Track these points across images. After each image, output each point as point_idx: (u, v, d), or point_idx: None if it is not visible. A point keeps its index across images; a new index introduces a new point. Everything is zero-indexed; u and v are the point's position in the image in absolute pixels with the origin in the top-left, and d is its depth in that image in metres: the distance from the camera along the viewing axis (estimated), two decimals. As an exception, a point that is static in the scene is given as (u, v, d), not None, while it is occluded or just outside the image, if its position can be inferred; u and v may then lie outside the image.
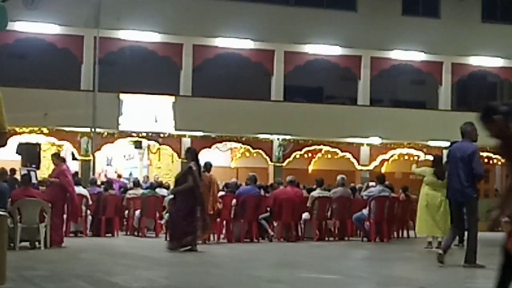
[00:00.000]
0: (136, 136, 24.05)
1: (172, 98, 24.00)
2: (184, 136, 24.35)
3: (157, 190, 18.62)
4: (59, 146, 23.62)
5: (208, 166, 15.17)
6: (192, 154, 13.18)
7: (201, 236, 13.18)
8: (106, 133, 23.57)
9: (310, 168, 27.66)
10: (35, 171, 18.88)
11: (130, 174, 25.71)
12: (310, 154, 26.83)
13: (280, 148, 25.36)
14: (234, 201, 15.72)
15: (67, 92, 23.17)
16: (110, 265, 10.28)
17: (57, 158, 14.13)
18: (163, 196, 17.78)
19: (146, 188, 19.26)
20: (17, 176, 18.14)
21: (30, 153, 20.28)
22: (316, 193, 16.70)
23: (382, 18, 26.19)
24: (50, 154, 23.12)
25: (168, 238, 12.69)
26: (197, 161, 13.03)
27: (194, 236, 12.67)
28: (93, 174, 22.45)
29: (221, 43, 24.83)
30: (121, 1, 23.79)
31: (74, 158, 23.45)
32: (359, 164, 26.15)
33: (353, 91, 26.70)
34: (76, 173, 20.35)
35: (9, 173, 17.73)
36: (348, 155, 26.06)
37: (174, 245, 12.54)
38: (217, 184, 15.32)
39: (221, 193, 16.44)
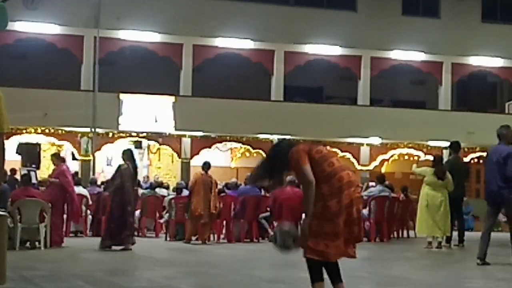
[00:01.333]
0: (136, 136, 24.04)
1: (172, 98, 23.99)
2: (184, 136, 24.35)
3: (157, 190, 18.62)
4: (59, 146, 23.62)
5: (207, 165, 15.22)
6: (127, 155, 13.36)
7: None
8: (106, 133, 23.57)
9: (310, 168, 27.62)
10: (35, 171, 18.89)
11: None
12: (310, 154, 26.79)
13: (280, 148, 25.31)
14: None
15: (67, 92, 23.16)
16: (110, 265, 10.28)
17: (57, 158, 14.13)
18: (163, 196, 17.79)
19: (146, 188, 19.26)
20: (17, 176, 18.14)
21: (30, 153, 20.30)
22: (316, 193, 16.65)
23: (382, 18, 26.20)
24: (50, 154, 23.27)
25: (105, 237, 12.87)
26: (132, 161, 13.17)
27: (132, 234, 12.94)
28: (93, 174, 22.44)
29: (221, 43, 24.83)
30: (121, 1, 23.80)
31: (74, 158, 23.45)
32: (359, 164, 26.14)
33: (353, 91, 26.69)
34: (76, 173, 20.35)
35: (9, 173, 17.78)
36: (348, 155, 26.05)
37: (109, 243, 12.70)
38: (216, 185, 15.34)
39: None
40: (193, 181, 15.28)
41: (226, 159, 26.95)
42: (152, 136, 24.04)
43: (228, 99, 24.36)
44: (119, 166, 13.01)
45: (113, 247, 12.68)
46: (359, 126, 25.46)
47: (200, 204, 14.75)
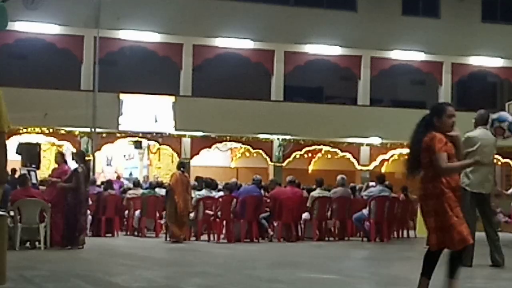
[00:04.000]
0: (136, 136, 24.05)
1: (172, 98, 24.00)
2: (184, 136, 24.35)
3: (157, 190, 18.62)
4: (59, 146, 23.62)
5: (183, 165, 15.90)
6: (79, 156, 13.79)
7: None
8: (106, 133, 23.58)
9: (310, 168, 27.66)
10: (35, 171, 18.88)
11: (130, 174, 25.71)
12: (310, 154, 26.83)
13: (280, 148, 25.36)
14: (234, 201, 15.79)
15: (67, 92, 23.16)
16: (110, 265, 10.29)
17: (61, 157, 14.25)
18: (163, 196, 17.79)
19: (146, 188, 19.27)
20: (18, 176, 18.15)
21: (30, 153, 20.28)
22: (316, 193, 16.70)
23: (382, 18, 26.19)
24: (50, 154, 23.25)
25: (62, 238, 13.09)
26: (85, 163, 13.45)
27: (84, 234, 13.32)
28: (93, 174, 22.43)
29: (221, 43, 24.83)
30: (121, 1, 23.79)
31: (74, 158, 23.40)
32: (359, 164, 26.15)
33: (353, 91, 26.70)
34: (76, 173, 20.32)
35: (10, 173, 17.79)
36: (348, 155, 26.06)
37: (65, 243, 12.93)
38: (189, 184, 15.85)
39: (220, 193, 16.48)
40: (174, 181, 15.36)
41: (226, 159, 26.96)
42: (152, 136, 24.04)
43: (228, 99, 24.36)
44: (76, 169, 13.31)
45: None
46: (359, 126, 25.46)
47: (181, 204, 15.02)
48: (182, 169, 15.61)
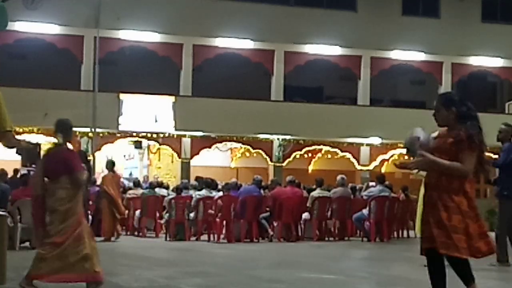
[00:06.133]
0: (136, 136, 24.05)
1: (172, 98, 24.00)
2: (184, 136, 24.35)
3: (157, 190, 18.63)
4: (59, 146, 23.60)
5: (112, 164, 15.93)
6: (81, 157, 13.72)
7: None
8: (106, 133, 23.58)
9: (310, 168, 27.67)
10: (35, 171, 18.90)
11: (130, 174, 25.71)
12: (310, 154, 26.83)
13: (280, 148, 25.36)
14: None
15: (67, 92, 23.15)
16: (110, 265, 10.28)
17: None
18: (163, 196, 17.80)
19: (146, 188, 19.28)
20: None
21: (30, 153, 20.27)
22: (316, 193, 16.70)
23: (382, 18, 26.20)
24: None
25: None
26: (87, 162, 13.56)
27: None
28: (93, 174, 22.44)
29: (221, 43, 24.83)
30: (121, 1, 23.79)
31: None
32: (359, 164, 26.15)
33: (353, 91, 26.70)
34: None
35: (12, 173, 17.88)
36: (348, 155, 26.06)
37: None
38: (119, 183, 16.25)
39: (220, 193, 16.48)
40: (107, 183, 15.60)
41: (226, 159, 26.96)
42: (152, 136, 24.04)
43: (228, 99, 24.37)
44: None
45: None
46: (359, 126, 25.46)
47: (119, 203, 15.52)
48: (112, 168, 15.76)
